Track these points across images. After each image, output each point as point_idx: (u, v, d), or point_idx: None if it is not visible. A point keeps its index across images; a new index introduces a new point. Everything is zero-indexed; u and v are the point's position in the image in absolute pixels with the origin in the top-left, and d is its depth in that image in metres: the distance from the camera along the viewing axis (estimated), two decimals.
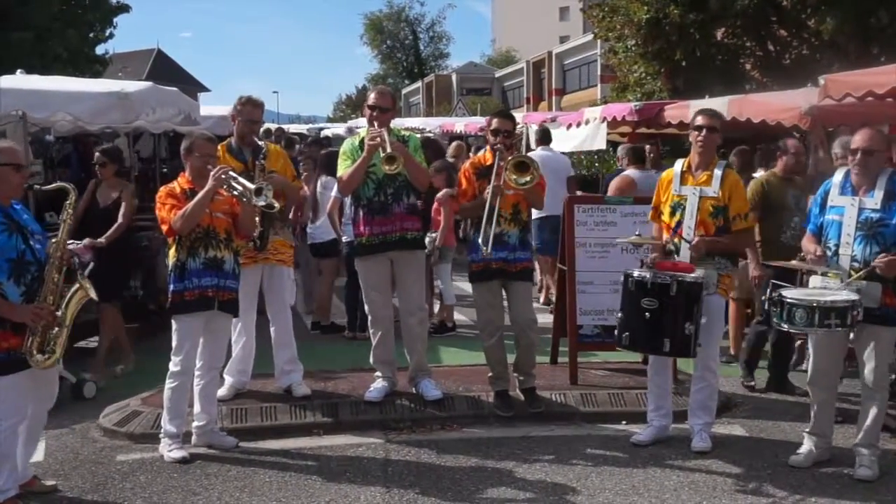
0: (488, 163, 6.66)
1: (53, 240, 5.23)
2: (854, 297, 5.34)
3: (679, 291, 5.74)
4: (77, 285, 5.19)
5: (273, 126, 22.33)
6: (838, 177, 5.72)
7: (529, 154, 9.79)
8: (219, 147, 6.74)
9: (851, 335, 5.61)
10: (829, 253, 5.59)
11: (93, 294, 5.24)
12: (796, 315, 5.41)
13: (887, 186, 5.46)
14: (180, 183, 6.04)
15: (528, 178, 6.38)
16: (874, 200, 5.46)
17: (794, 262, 5.81)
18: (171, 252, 6.00)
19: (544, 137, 11.40)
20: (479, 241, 6.53)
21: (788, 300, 5.45)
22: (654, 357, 6.25)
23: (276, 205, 6.27)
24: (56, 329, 5.06)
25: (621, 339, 5.98)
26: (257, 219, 6.38)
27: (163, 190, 6.07)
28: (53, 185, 5.71)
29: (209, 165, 5.95)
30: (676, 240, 6.04)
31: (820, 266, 5.57)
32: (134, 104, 8.86)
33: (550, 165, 9.82)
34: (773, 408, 7.10)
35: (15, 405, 5.07)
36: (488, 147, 6.82)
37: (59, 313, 5.08)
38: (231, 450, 6.12)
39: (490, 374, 6.86)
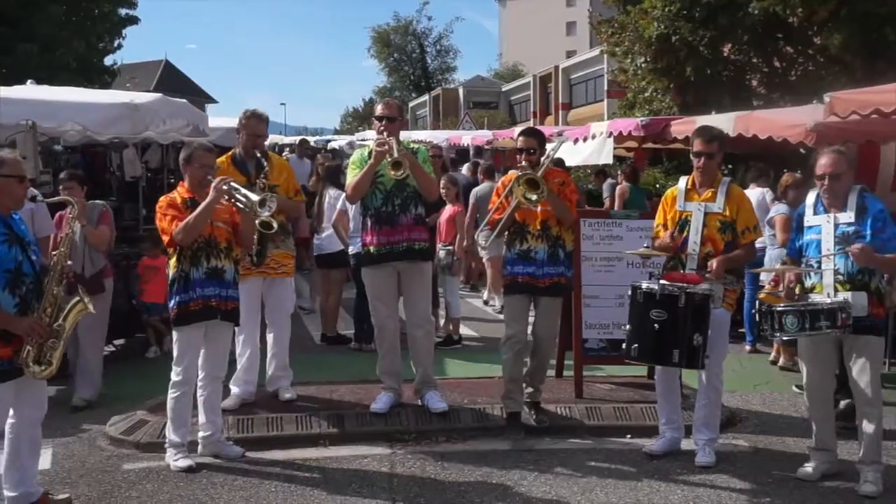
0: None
1: (54, 252, 5.20)
2: (840, 300, 5.46)
3: (688, 302, 5.79)
4: (77, 298, 5.16)
5: (288, 139, 22.49)
6: (811, 198, 5.88)
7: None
8: (224, 157, 6.87)
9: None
10: (811, 270, 5.70)
11: (91, 308, 5.22)
12: (787, 322, 5.51)
13: (858, 203, 5.63)
14: (180, 193, 6.05)
15: (534, 197, 6.42)
16: (848, 216, 5.62)
17: (778, 267, 5.91)
18: (172, 262, 5.99)
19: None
20: (509, 254, 6.70)
21: (778, 308, 5.56)
22: (661, 372, 6.27)
23: (275, 225, 6.31)
24: (53, 341, 5.01)
25: (630, 351, 6.01)
26: (255, 236, 6.42)
27: (163, 200, 6.05)
28: (56, 197, 5.68)
29: (209, 176, 5.99)
30: (683, 256, 6.08)
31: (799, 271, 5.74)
32: (144, 115, 8.92)
33: None
34: (777, 423, 7.11)
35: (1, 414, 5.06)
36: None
37: (57, 325, 5.04)
38: (237, 460, 6.14)
39: (503, 392, 6.82)
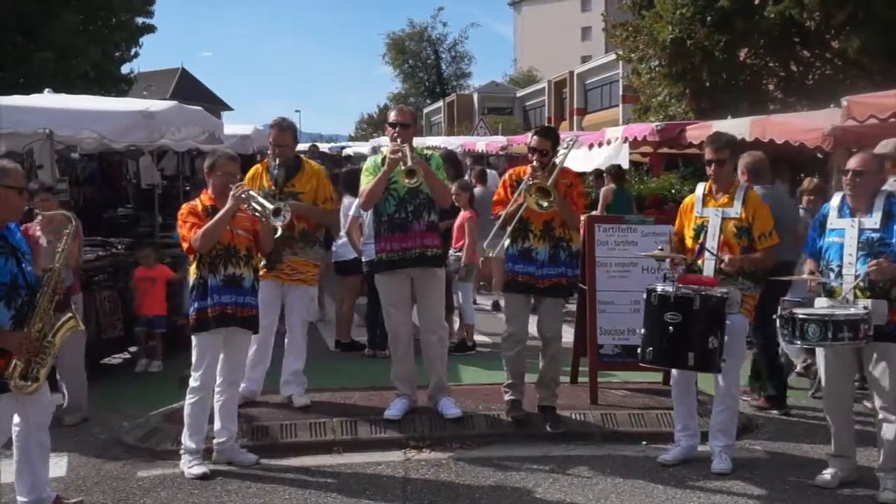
0: (525, 176, 6.67)
1: (50, 267, 5.09)
2: (862, 310, 5.38)
3: (703, 305, 5.76)
4: (69, 315, 5.11)
5: (302, 146, 22.49)
6: (835, 200, 5.79)
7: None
8: (261, 163, 7.08)
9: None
10: (832, 274, 5.62)
11: (82, 326, 5.20)
12: (809, 330, 5.44)
13: (885, 208, 5.53)
14: (203, 200, 6.10)
15: (545, 204, 6.41)
16: (873, 221, 5.53)
17: (804, 276, 5.83)
18: (192, 269, 6.06)
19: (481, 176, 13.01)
20: (512, 250, 6.70)
21: (800, 316, 5.48)
22: (678, 377, 6.22)
23: (279, 231, 6.30)
24: (42, 357, 4.94)
25: (644, 354, 5.99)
26: None
27: (185, 208, 6.11)
28: (52, 212, 5.54)
29: (230, 184, 6.02)
30: (700, 262, 6.05)
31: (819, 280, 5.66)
32: (159, 123, 8.95)
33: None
34: (795, 429, 7.05)
35: (2, 426, 5.03)
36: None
37: (46, 341, 4.97)
38: (251, 467, 6.14)
39: (505, 383, 6.87)
